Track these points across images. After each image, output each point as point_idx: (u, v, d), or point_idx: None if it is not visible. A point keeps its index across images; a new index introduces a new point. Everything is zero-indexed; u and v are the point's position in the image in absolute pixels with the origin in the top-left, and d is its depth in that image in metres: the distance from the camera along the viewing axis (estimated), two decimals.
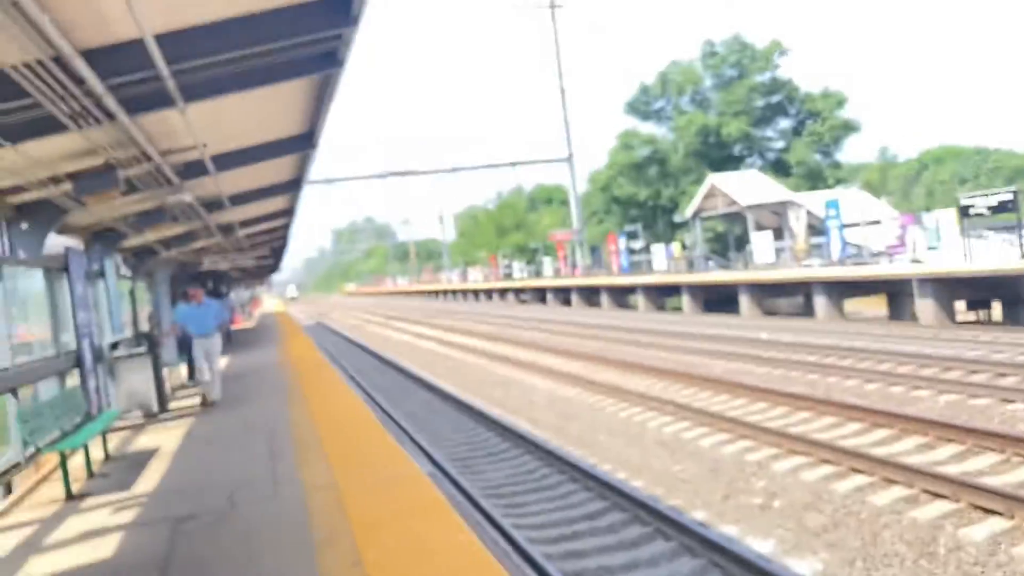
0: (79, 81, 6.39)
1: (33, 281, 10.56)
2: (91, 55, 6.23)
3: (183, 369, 16.12)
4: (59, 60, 6.04)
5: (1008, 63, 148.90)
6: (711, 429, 12.11)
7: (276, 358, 20.12)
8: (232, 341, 26.64)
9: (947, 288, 21.75)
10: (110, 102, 6.77)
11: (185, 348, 15.00)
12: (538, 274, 61.31)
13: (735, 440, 11.39)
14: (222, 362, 15.08)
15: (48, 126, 7.24)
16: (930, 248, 26.07)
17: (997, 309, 22.57)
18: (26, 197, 9.50)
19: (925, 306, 22.12)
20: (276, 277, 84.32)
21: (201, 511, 6.85)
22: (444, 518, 5.94)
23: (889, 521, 7.92)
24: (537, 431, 13.42)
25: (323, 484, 7.18)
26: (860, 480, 9.09)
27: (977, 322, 22.39)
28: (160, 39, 6.09)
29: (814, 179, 57.71)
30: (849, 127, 60.31)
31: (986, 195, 22.88)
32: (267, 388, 14.36)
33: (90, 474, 8.79)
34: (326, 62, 7.71)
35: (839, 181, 56.84)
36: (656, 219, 63.41)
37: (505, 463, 11.69)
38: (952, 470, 8.92)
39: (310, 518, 6.25)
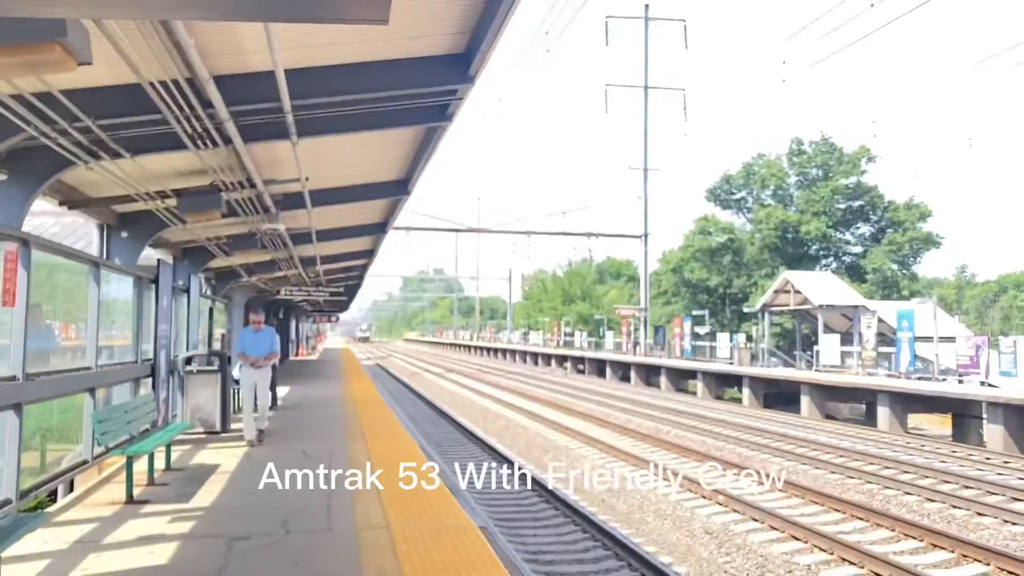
0: (207, 104, 6.74)
1: (111, 287, 10.88)
2: (221, 81, 6.57)
3: None
4: (192, 82, 6.39)
5: None
6: (762, 525, 11.88)
7: (338, 394, 20.41)
8: (291, 371, 27.05)
9: (1020, 416, 21.05)
10: (230, 128, 7.12)
11: None
12: (598, 346, 61.11)
13: (785, 539, 11.15)
14: (280, 391, 15.29)
15: (168, 143, 7.63)
16: (1003, 373, 25.37)
17: None
18: (131, 207, 9.96)
19: (994, 432, 21.40)
20: (343, 315, 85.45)
21: (256, 532, 6.95)
22: (493, 571, 5.94)
23: None
24: (584, 502, 13.31)
25: (376, 524, 7.23)
26: None
27: None
28: (288, 74, 6.41)
29: (888, 288, 56.82)
30: (930, 241, 59.43)
31: None
32: (327, 422, 14.56)
33: (151, 481, 9.00)
34: (437, 114, 7.99)
35: (914, 293, 55.78)
36: (724, 307, 62.94)
37: (549, 530, 11.60)
38: None
39: (361, 555, 6.31)
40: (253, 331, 12.38)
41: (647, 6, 49.49)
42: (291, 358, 40.73)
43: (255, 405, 12.18)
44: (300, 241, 14.71)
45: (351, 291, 35.35)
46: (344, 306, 51.42)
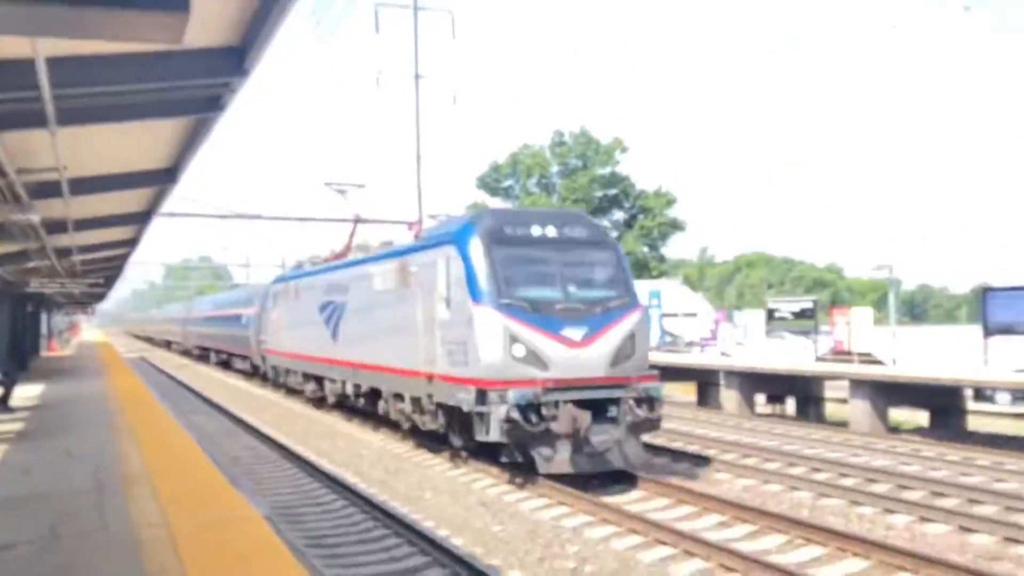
0: None
1: None
2: None
3: None
4: None
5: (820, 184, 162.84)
6: (534, 494, 12.70)
7: (99, 390, 19.33)
8: (44, 369, 25.06)
9: (750, 381, 23.59)
10: None
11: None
12: None
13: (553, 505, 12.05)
14: (33, 390, 14.25)
15: None
16: (738, 344, 28.34)
17: (791, 404, 24.53)
18: None
19: (730, 396, 23.85)
20: (101, 306, 79.48)
21: (20, 540, 6.59)
22: (279, 560, 6.05)
23: None
24: (363, 484, 13.57)
25: (154, 521, 7.05)
26: (664, 551, 9.91)
27: (773, 415, 24.25)
28: (50, 62, 6.14)
29: (640, 269, 60.99)
30: (676, 225, 64.67)
31: (790, 301, 25.19)
32: (91, 419, 13.84)
33: None
34: (208, 105, 7.88)
35: (662, 273, 60.57)
36: None
37: (330, 514, 11.77)
38: (745, 547, 9.87)
39: (141, 555, 6.11)
40: None
41: None
42: (42, 354, 37.73)
43: None
44: (55, 231, 13.78)
45: (110, 281, 33.25)
46: (102, 296, 48.28)
